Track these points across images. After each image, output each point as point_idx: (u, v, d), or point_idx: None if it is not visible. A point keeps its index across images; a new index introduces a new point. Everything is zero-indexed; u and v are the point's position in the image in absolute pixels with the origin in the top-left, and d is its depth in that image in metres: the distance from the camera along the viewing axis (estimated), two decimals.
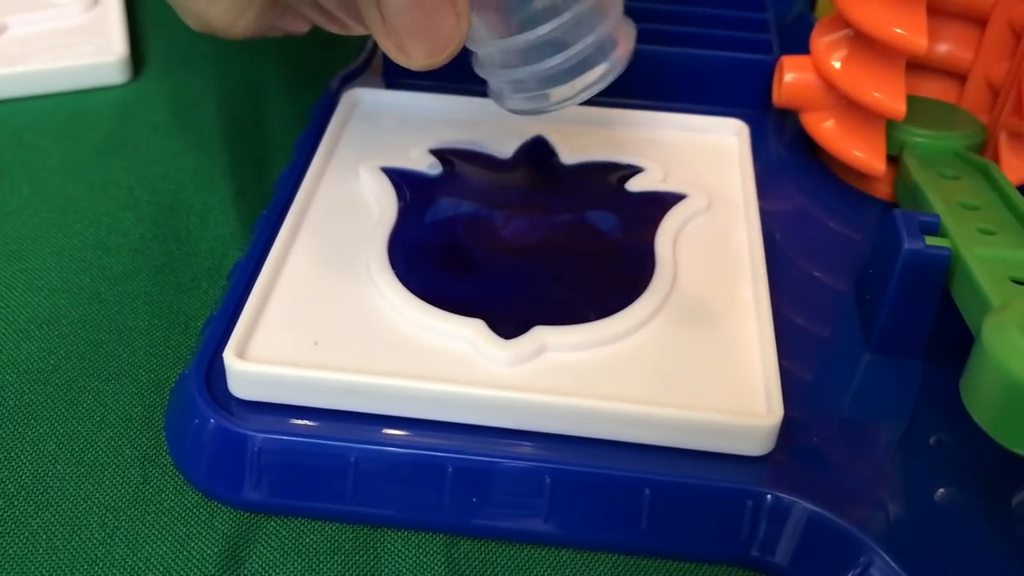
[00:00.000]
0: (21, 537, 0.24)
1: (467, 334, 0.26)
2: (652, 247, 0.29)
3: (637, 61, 0.36)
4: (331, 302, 0.27)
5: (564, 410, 0.25)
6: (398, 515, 0.25)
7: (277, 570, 0.24)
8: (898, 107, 0.31)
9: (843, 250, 0.32)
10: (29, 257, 0.31)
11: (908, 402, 0.27)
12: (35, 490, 0.25)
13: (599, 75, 0.26)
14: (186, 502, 0.25)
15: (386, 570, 0.24)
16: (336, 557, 0.24)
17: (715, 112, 0.35)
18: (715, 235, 0.30)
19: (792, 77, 0.33)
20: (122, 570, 0.24)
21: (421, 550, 0.24)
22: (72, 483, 0.25)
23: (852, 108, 0.33)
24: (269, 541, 0.24)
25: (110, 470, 0.26)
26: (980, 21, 0.32)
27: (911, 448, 0.26)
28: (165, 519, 0.25)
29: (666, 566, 0.24)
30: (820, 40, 0.33)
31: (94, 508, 0.25)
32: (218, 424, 0.25)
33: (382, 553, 0.24)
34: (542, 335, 0.26)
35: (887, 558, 0.23)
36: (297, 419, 0.25)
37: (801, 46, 0.34)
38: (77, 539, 0.24)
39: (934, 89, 0.34)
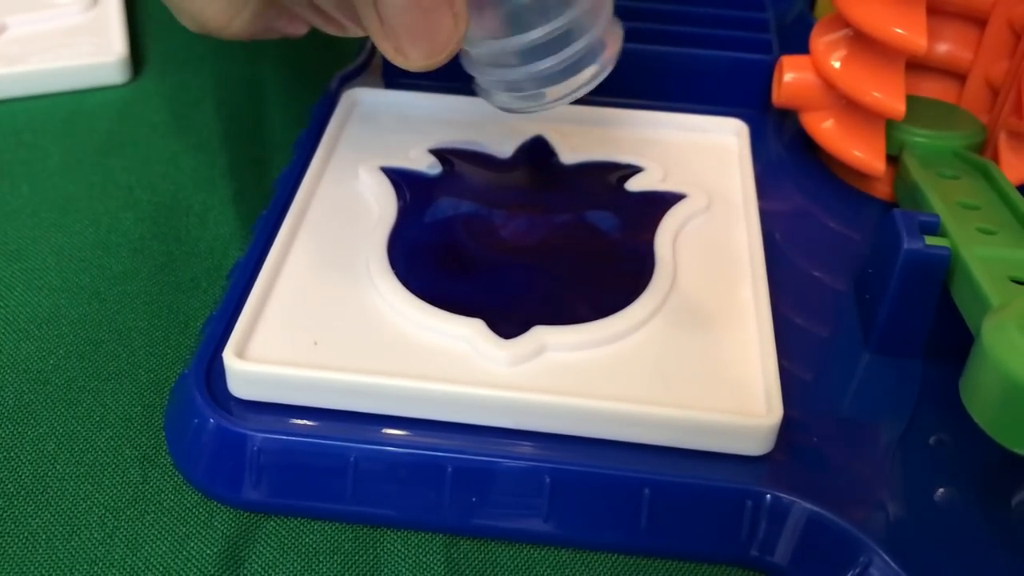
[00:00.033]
0: (20, 537, 0.24)
1: (467, 334, 0.26)
2: (652, 247, 0.29)
3: (637, 61, 0.36)
4: (330, 302, 0.27)
5: (564, 410, 0.25)
6: (398, 515, 0.25)
7: (277, 570, 0.24)
8: (898, 107, 0.31)
9: (843, 250, 0.32)
10: (29, 257, 0.31)
11: (908, 402, 0.27)
12: (34, 490, 0.25)
13: (590, 76, 0.26)
14: (185, 502, 0.25)
15: (386, 570, 0.24)
16: (336, 557, 0.24)
17: (715, 112, 0.35)
18: (715, 235, 0.30)
19: (792, 77, 0.33)
20: (121, 570, 0.24)
21: (421, 550, 0.24)
22: (71, 483, 0.25)
23: (852, 108, 0.33)
24: (268, 541, 0.24)
25: (110, 470, 0.26)
26: (980, 21, 0.32)
27: (911, 448, 0.26)
28: (165, 519, 0.25)
29: (666, 566, 0.24)
30: (820, 40, 0.33)
31: (93, 508, 0.25)
32: (218, 424, 0.25)
33: (382, 553, 0.24)
34: (542, 335, 0.26)
35: (887, 558, 0.23)
36: (297, 419, 0.25)
37: (801, 46, 0.34)
38: (76, 539, 0.24)
39: (934, 89, 0.34)
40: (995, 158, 0.32)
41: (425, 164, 0.32)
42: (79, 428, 0.27)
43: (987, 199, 0.29)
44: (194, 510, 0.25)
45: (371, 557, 0.24)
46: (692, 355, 0.26)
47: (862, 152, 0.33)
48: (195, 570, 0.24)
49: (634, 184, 0.32)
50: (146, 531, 0.24)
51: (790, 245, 0.31)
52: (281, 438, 0.25)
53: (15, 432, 0.26)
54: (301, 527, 0.25)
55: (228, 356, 0.25)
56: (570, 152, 0.33)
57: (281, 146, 0.35)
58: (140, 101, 0.38)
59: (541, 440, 0.25)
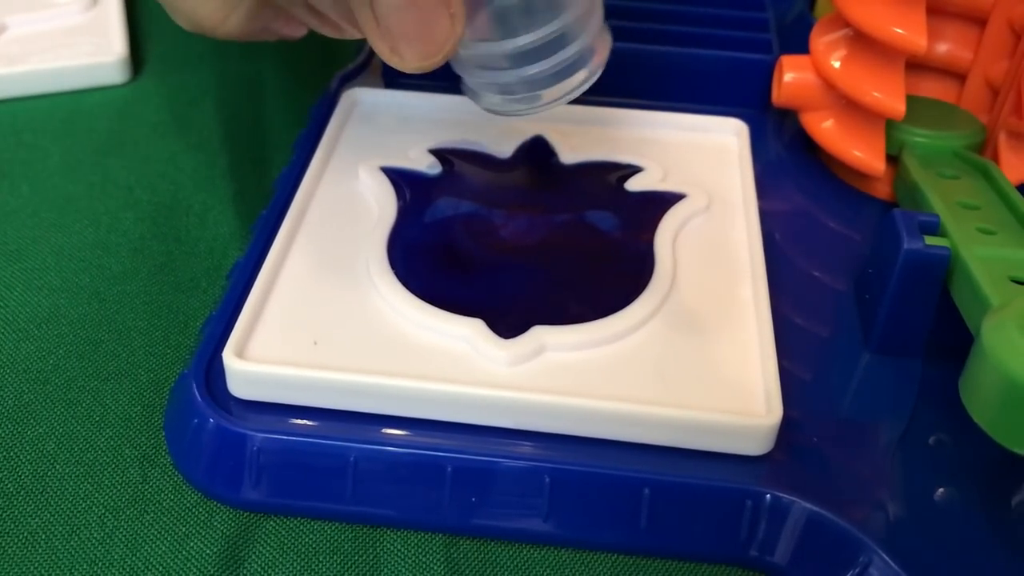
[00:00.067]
0: (20, 536, 0.24)
1: (466, 334, 0.26)
2: (651, 247, 0.29)
3: (637, 61, 0.36)
4: (330, 302, 0.27)
5: (563, 410, 0.25)
6: (397, 515, 0.25)
7: (276, 570, 0.24)
8: (898, 107, 0.31)
9: (843, 250, 0.32)
10: (28, 257, 0.31)
11: (908, 402, 0.27)
12: (34, 490, 0.25)
13: (580, 81, 0.26)
14: (185, 502, 0.25)
15: (385, 570, 0.24)
16: (335, 557, 0.24)
17: (715, 112, 0.35)
18: (714, 235, 0.30)
19: (791, 77, 0.33)
20: (121, 570, 0.24)
21: (420, 550, 0.24)
22: (71, 483, 0.25)
23: (852, 108, 0.33)
24: (268, 541, 0.24)
25: (109, 470, 0.26)
26: (980, 21, 0.32)
27: (910, 448, 0.26)
28: (164, 519, 0.25)
29: (665, 566, 0.24)
30: (819, 40, 0.33)
31: (93, 508, 0.25)
32: (217, 424, 0.25)
33: (381, 553, 0.24)
34: (541, 335, 0.26)
35: (886, 558, 0.23)
36: (296, 419, 0.25)
37: (801, 46, 0.34)
38: (76, 539, 0.24)
39: (934, 89, 0.34)
40: (995, 158, 0.32)
41: (425, 164, 0.32)
42: (79, 428, 0.27)
43: (987, 199, 0.29)
44: (194, 510, 0.25)
45: (371, 557, 0.24)
46: (692, 355, 0.26)
47: (862, 152, 0.33)
48: (195, 570, 0.24)
49: (634, 184, 0.32)
50: (146, 531, 0.24)
51: (790, 245, 0.31)
52: (281, 438, 0.25)
53: (15, 432, 0.26)
54: (301, 527, 0.25)
55: (228, 356, 0.25)
56: (570, 152, 0.33)
57: (281, 146, 0.35)
58: (140, 101, 0.38)
59: (541, 440, 0.25)
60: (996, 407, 0.22)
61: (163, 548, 0.24)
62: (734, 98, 0.36)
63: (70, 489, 0.25)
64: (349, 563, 0.24)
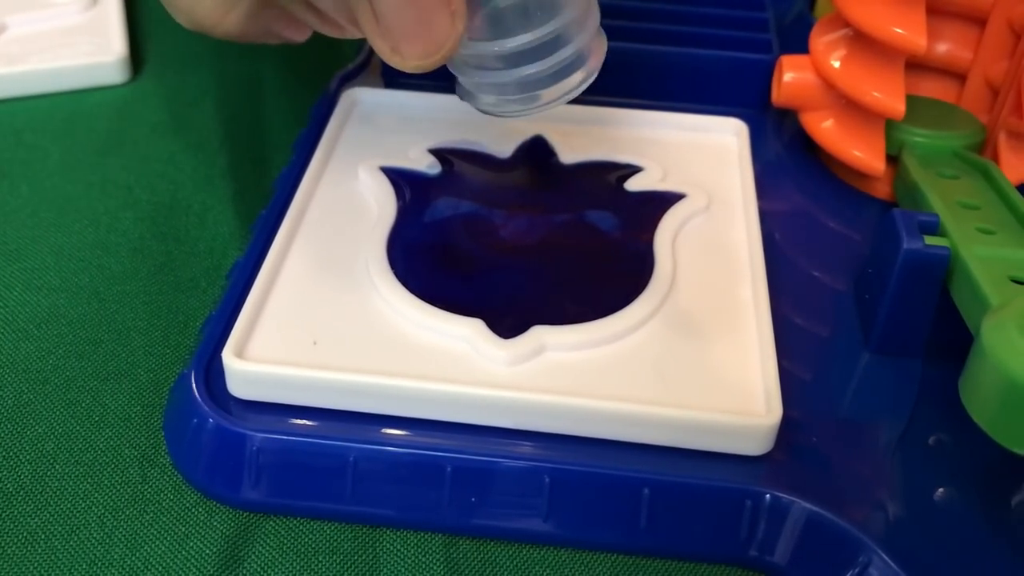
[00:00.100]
0: (19, 536, 0.24)
1: (466, 334, 0.26)
2: (651, 247, 0.29)
3: (637, 61, 0.36)
4: (330, 302, 0.27)
5: (563, 410, 0.25)
6: (397, 515, 0.25)
7: (276, 570, 0.24)
8: (897, 107, 0.31)
9: (842, 250, 0.31)
10: (28, 256, 0.31)
11: (907, 402, 0.27)
12: (34, 489, 0.25)
13: (576, 82, 0.26)
14: (185, 502, 0.25)
15: (385, 570, 0.24)
16: (335, 557, 0.24)
17: (714, 112, 0.35)
18: (714, 235, 0.30)
19: (791, 77, 0.33)
20: (120, 569, 0.24)
21: (420, 550, 0.24)
22: (71, 482, 0.25)
23: (851, 108, 0.33)
24: (268, 541, 0.24)
25: (109, 470, 0.26)
26: (979, 21, 0.32)
27: (910, 448, 0.26)
28: (164, 519, 0.25)
29: (665, 566, 0.24)
30: (819, 40, 0.33)
31: (93, 508, 0.25)
32: (217, 424, 0.25)
33: (381, 553, 0.24)
34: (541, 335, 0.26)
35: (886, 558, 0.23)
36: (296, 419, 0.25)
37: (800, 46, 0.34)
38: (75, 538, 0.24)
39: (933, 89, 0.34)
40: (995, 158, 0.32)
41: (424, 164, 0.32)
42: (78, 428, 0.27)
43: (987, 199, 0.29)
44: (193, 510, 0.25)
45: (370, 557, 0.24)
46: (691, 355, 0.26)
47: (862, 152, 0.33)
48: (194, 570, 0.24)
49: (633, 184, 0.32)
50: (145, 531, 0.24)
51: (790, 245, 0.31)
52: (280, 438, 0.25)
53: (14, 432, 0.26)
54: (300, 527, 0.25)
55: (227, 356, 0.25)
56: (569, 152, 0.33)
57: (280, 146, 0.35)
58: (139, 101, 0.38)
59: (541, 440, 0.25)
60: (996, 407, 0.22)
61: (163, 548, 0.24)
62: (734, 98, 0.36)
63: (69, 489, 0.25)
64: (349, 563, 0.24)
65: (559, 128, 0.33)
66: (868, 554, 0.23)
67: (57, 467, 0.26)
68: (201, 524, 0.25)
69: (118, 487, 0.25)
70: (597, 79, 0.26)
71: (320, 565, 0.24)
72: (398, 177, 0.31)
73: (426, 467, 0.24)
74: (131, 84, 0.39)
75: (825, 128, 0.33)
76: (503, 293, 0.28)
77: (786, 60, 0.34)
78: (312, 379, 0.25)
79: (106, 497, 0.25)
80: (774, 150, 0.36)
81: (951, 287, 0.26)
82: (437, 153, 0.32)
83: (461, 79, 0.26)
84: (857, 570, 0.23)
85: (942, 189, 0.29)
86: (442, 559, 0.24)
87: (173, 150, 0.36)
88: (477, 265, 0.29)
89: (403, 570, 0.24)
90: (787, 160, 0.35)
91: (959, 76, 0.33)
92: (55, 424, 0.27)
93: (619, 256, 0.29)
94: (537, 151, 0.33)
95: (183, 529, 0.25)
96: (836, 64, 0.32)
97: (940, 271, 0.26)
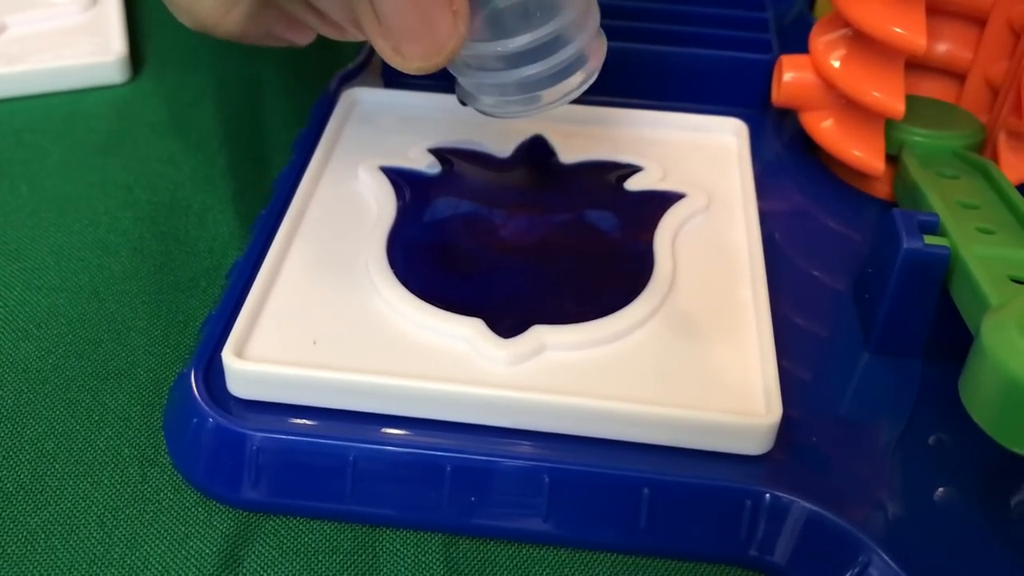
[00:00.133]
0: (19, 536, 0.24)
1: (466, 333, 0.26)
2: (651, 246, 0.29)
3: (637, 61, 0.36)
4: (330, 301, 0.27)
5: (563, 409, 0.25)
6: (397, 514, 0.25)
7: (276, 569, 0.24)
8: (897, 106, 0.31)
9: (842, 249, 0.31)
10: (28, 256, 0.31)
11: (907, 402, 0.27)
12: (33, 489, 0.25)
13: (577, 83, 0.26)
14: (185, 501, 0.25)
15: (385, 569, 0.24)
16: (335, 556, 0.24)
17: (714, 111, 0.35)
18: (714, 234, 0.30)
19: (791, 76, 0.33)
20: (120, 569, 0.24)
21: (420, 549, 0.24)
22: (70, 482, 0.25)
23: (851, 107, 0.33)
24: (268, 540, 0.24)
25: (108, 469, 0.26)
26: (979, 20, 0.32)
27: (910, 448, 0.26)
28: (163, 518, 0.25)
29: (665, 565, 0.24)
30: (819, 39, 0.33)
31: (92, 507, 0.25)
32: (217, 423, 0.25)
33: (381, 552, 0.24)
34: (541, 334, 0.26)
35: (886, 557, 0.23)
36: (296, 418, 0.25)
37: (800, 45, 0.34)
38: (75, 538, 0.24)
39: (933, 88, 0.34)
40: (995, 158, 0.32)
41: (424, 164, 0.32)
42: (78, 427, 0.27)
43: (986, 199, 0.29)
44: (193, 510, 0.25)
45: (370, 557, 0.24)
46: (691, 355, 0.26)
47: (862, 152, 0.33)
48: (194, 569, 0.24)
49: (633, 184, 0.32)
50: (145, 530, 0.24)
51: (790, 245, 0.31)
52: (280, 437, 0.25)
53: (14, 431, 0.26)
54: (300, 526, 0.25)
55: (227, 355, 0.25)
56: (569, 151, 0.33)
57: (280, 146, 0.35)
58: (139, 101, 0.38)
59: (540, 440, 0.25)
60: (996, 407, 0.22)
61: (162, 548, 0.24)
62: (734, 98, 0.36)
63: (69, 488, 0.25)
64: (349, 563, 0.24)
65: (559, 128, 0.33)
66: (868, 554, 0.23)
67: (57, 467, 0.26)
68: (201, 524, 0.25)
69: (118, 487, 0.25)
70: (597, 79, 0.26)
71: (320, 565, 0.24)
72: (398, 177, 0.31)
73: (426, 467, 0.24)
74: (131, 84, 0.39)
75: (825, 128, 0.33)
76: (503, 293, 0.28)
77: (786, 60, 0.34)
78: (312, 379, 0.25)
79: (106, 497, 0.25)
80: (774, 150, 0.36)
81: (951, 287, 0.26)
82: (437, 153, 0.32)
83: (461, 80, 0.26)
84: (857, 570, 0.23)
85: (942, 189, 0.29)
86: (442, 559, 0.24)
87: (173, 150, 0.36)
88: (477, 265, 0.29)
89: (403, 570, 0.24)
90: (787, 160, 0.35)
91: (959, 76, 0.33)
92: (55, 424, 0.27)
93: (619, 256, 0.29)
94: (537, 151, 0.33)
95: (183, 529, 0.25)
96: (836, 64, 0.32)
97: (940, 271, 0.26)
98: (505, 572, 0.24)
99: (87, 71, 0.38)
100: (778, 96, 0.34)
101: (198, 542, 0.24)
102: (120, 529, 0.24)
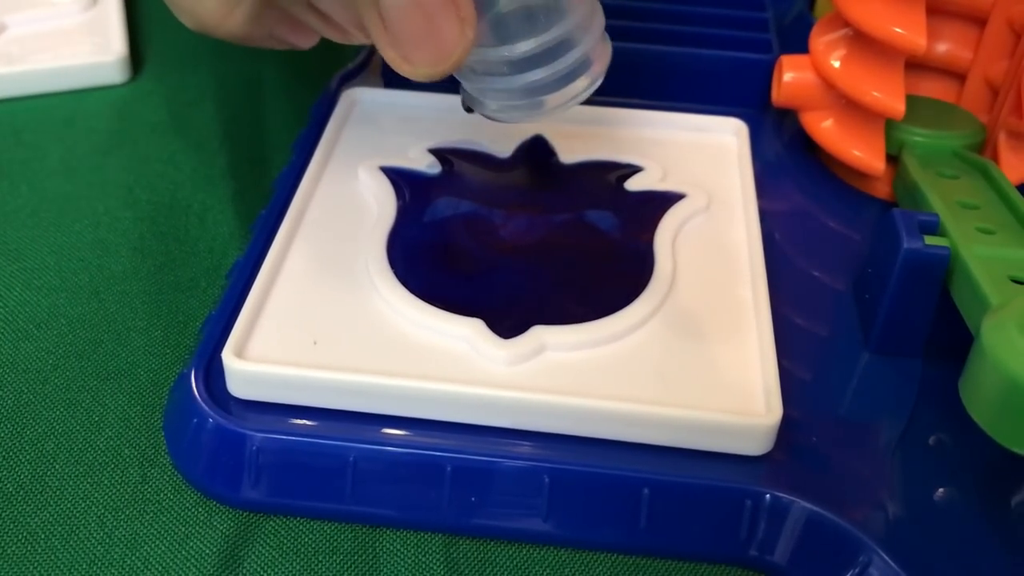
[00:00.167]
0: (19, 536, 0.24)
1: (466, 333, 0.26)
2: (651, 246, 0.29)
3: (637, 61, 0.36)
4: (330, 302, 0.27)
5: (563, 410, 0.25)
6: (397, 515, 0.25)
7: (276, 569, 0.24)
8: (897, 106, 0.31)
9: (842, 249, 0.31)
10: (28, 256, 0.31)
11: (907, 402, 0.27)
12: (33, 489, 0.25)
13: (582, 88, 0.26)
14: (185, 501, 0.25)
15: (385, 570, 0.24)
16: (335, 557, 0.24)
17: (714, 111, 0.35)
18: (714, 234, 0.30)
19: (791, 76, 0.33)
20: (120, 569, 0.24)
21: (420, 550, 0.24)
22: (70, 482, 0.25)
23: (851, 107, 0.33)
24: (268, 540, 0.24)
25: (109, 469, 0.26)
26: (979, 20, 0.32)
27: (910, 448, 0.26)
28: (164, 518, 0.25)
29: (665, 566, 0.24)
30: (819, 39, 0.33)
31: (92, 507, 0.25)
32: (217, 423, 0.25)
33: (381, 553, 0.24)
34: (541, 334, 0.26)
35: (886, 557, 0.23)
36: (296, 419, 0.25)
37: (800, 45, 0.34)
38: (75, 538, 0.24)
39: (933, 88, 0.34)
40: (995, 158, 0.32)
41: (424, 164, 0.32)
42: (78, 427, 0.27)
43: (986, 199, 0.29)
44: (193, 510, 0.25)
45: (370, 557, 0.24)
46: (691, 355, 0.26)
47: (862, 152, 0.33)
48: (194, 570, 0.24)
49: (633, 184, 0.32)
50: (145, 531, 0.24)
51: (790, 245, 0.31)
52: (280, 438, 0.25)
53: (14, 431, 0.26)
54: (300, 527, 0.25)
55: (227, 356, 0.25)
56: (569, 152, 0.33)
57: (280, 146, 0.35)
58: (139, 101, 0.38)
59: (540, 440, 0.25)
60: (996, 407, 0.22)
61: (162, 548, 0.24)
62: (734, 98, 0.36)
63: (69, 489, 0.25)
64: (349, 563, 0.24)
65: (559, 128, 0.33)
66: (868, 554, 0.23)
67: (57, 467, 0.26)
68: (201, 524, 0.25)
69: (118, 487, 0.25)
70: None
71: (320, 565, 0.24)
72: (398, 177, 0.31)
73: (426, 467, 0.24)
74: (131, 84, 0.39)
75: (825, 128, 0.33)
76: (503, 293, 0.28)
77: (786, 60, 0.34)
78: (312, 379, 0.25)
79: (106, 497, 0.25)
80: (774, 150, 0.36)
81: (951, 287, 0.26)
82: (437, 153, 0.32)
83: (466, 85, 0.26)
84: (857, 570, 0.23)
85: (942, 189, 0.29)
86: (442, 559, 0.24)
87: (173, 150, 0.36)
88: (477, 265, 0.29)
89: (403, 570, 0.24)
90: (787, 160, 0.35)
91: (959, 76, 0.33)
92: (55, 424, 0.27)
93: (619, 256, 0.29)
94: (537, 151, 0.33)
95: (183, 529, 0.25)
96: (836, 64, 0.32)
97: (940, 271, 0.26)
98: (505, 572, 0.24)
99: (87, 71, 0.38)
100: (778, 96, 0.34)
101: (198, 542, 0.24)
102: (120, 529, 0.24)
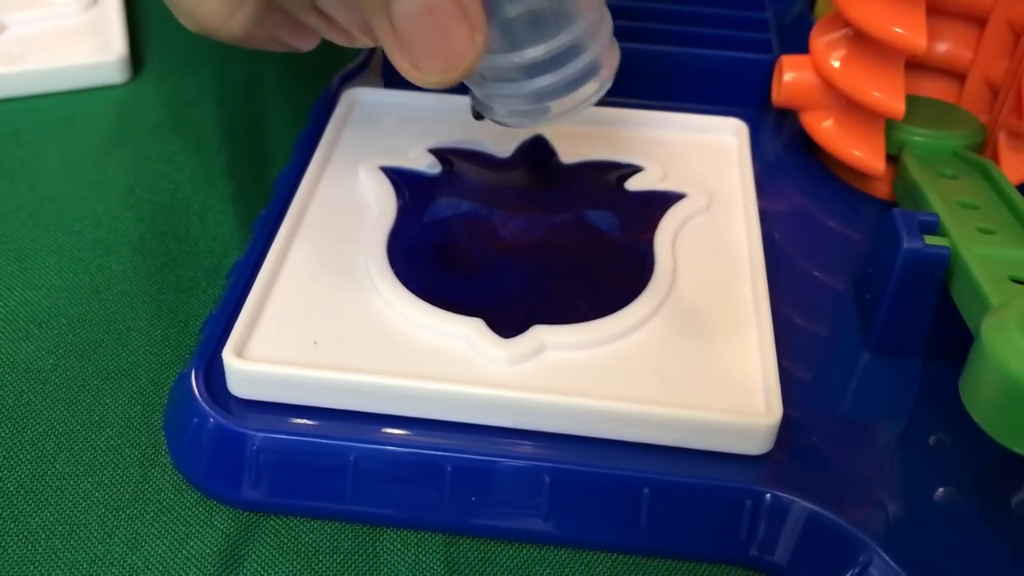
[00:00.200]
0: (20, 536, 0.24)
1: (466, 333, 0.26)
2: (651, 246, 0.29)
3: (637, 61, 0.36)
4: (330, 301, 0.27)
5: (563, 409, 0.25)
6: (397, 514, 0.25)
7: (276, 569, 0.24)
8: (897, 106, 0.31)
9: (842, 249, 0.32)
10: (28, 256, 0.31)
11: (907, 401, 0.27)
12: (34, 489, 0.25)
13: (590, 93, 0.26)
14: (185, 501, 0.25)
15: (385, 569, 0.24)
16: (335, 556, 0.24)
17: (714, 111, 0.35)
18: (714, 234, 0.30)
19: (791, 76, 0.33)
20: (121, 569, 0.24)
21: (420, 549, 0.24)
22: (71, 482, 0.25)
23: (851, 107, 0.33)
24: (268, 540, 0.24)
25: (109, 469, 0.26)
26: (979, 20, 0.32)
27: (910, 447, 0.26)
28: (164, 518, 0.25)
29: (665, 565, 0.24)
30: (819, 39, 0.33)
31: (93, 507, 0.25)
32: (217, 423, 0.25)
33: (381, 552, 0.24)
34: (541, 334, 0.26)
35: (886, 557, 0.23)
36: (296, 418, 0.25)
37: (800, 45, 0.34)
38: (76, 538, 0.24)
39: (933, 88, 0.34)
40: (995, 158, 0.32)
41: (425, 164, 0.32)
42: (78, 427, 0.27)
43: (987, 199, 0.29)
44: (194, 509, 0.25)
45: (370, 556, 0.24)
46: (692, 354, 0.26)
47: (862, 152, 0.33)
48: (194, 569, 0.24)
49: (634, 184, 0.32)
50: (145, 530, 0.24)
51: (790, 245, 0.31)
52: (281, 437, 0.25)
53: (15, 431, 0.26)
54: (301, 526, 0.25)
55: (228, 355, 0.25)
56: (570, 151, 0.33)
57: (281, 146, 0.35)
58: (139, 101, 0.38)
59: (541, 440, 0.25)
60: (996, 407, 0.22)
61: (163, 547, 0.24)
62: (734, 98, 0.36)
63: (70, 488, 0.25)
64: (349, 563, 0.24)
65: (559, 128, 0.33)
66: (868, 554, 0.23)
67: (57, 466, 0.26)
68: (201, 524, 0.25)
69: (118, 486, 0.25)
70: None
71: (320, 565, 0.24)
72: (398, 177, 0.31)
73: (426, 467, 0.24)
74: (131, 84, 0.39)
75: (825, 128, 0.33)
76: (503, 293, 0.28)
77: (786, 60, 0.34)
78: (312, 379, 0.25)
79: (106, 496, 0.25)
80: (774, 150, 0.36)
81: (951, 287, 0.26)
82: (437, 153, 0.32)
83: (474, 90, 0.26)
84: (857, 570, 0.23)
85: (942, 189, 0.29)
86: (442, 559, 0.24)
87: (173, 150, 0.36)
88: (477, 265, 0.29)
89: (403, 570, 0.24)
90: (787, 160, 0.35)
91: (959, 76, 0.33)
92: (55, 424, 0.27)
93: (619, 256, 0.29)
94: (537, 151, 0.33)
95: (183, 529, 0.25)
96: (836, 64, 0.32)
97: (940, 271, 0.26)
98: (505, 572, 0.24)
99: (87, 71, 0.38)
100: (778, 96, 0.34)
101: (198, 542, 0.24)
102: (121, 529, 0.24)
